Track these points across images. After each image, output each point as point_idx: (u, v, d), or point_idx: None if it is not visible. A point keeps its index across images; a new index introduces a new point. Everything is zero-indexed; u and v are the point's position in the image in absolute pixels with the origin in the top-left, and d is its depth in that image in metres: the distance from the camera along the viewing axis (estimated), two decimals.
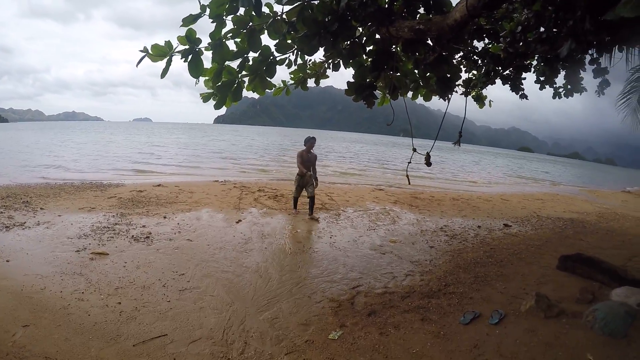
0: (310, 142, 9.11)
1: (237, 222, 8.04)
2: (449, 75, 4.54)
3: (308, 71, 5.00)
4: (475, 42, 7.14)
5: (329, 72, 5.02)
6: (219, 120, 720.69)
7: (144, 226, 7.21)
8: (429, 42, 4.13)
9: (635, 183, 38.37)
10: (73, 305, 4.18)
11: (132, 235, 6.63)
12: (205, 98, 3.78)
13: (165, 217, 7.95)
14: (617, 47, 6.52)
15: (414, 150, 5.03)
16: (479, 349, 3.75)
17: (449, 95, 4.96)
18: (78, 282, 4.74)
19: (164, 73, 3.26)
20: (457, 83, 5.22)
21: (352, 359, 3.52)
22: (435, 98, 5.17)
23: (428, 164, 5.01)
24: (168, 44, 3.14)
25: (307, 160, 9.00)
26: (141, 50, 3.11)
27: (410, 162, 5.36)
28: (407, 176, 5.44)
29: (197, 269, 5.43)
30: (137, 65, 3.28)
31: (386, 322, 4.23)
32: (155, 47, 3.13)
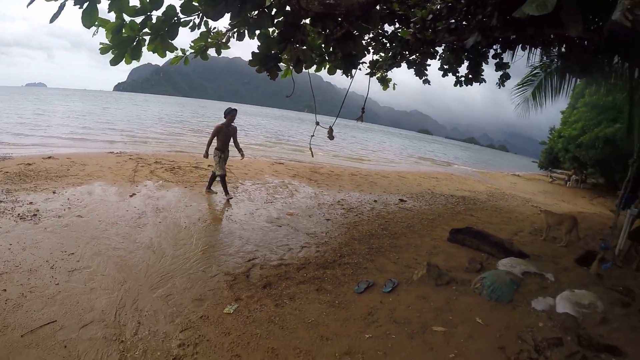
0: (231, 114, 8.38)
1: (131, 196, 7.57)
2: (354, 53, 4.61)
3: (210, 40, 4.80)
4: (387, 26, 7.32)
5: (236, 43, 4.85)
6: (119, 87, 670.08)
7: (31, 203, 6.55)
8: (338, 17, 4.14)
9: (523, 168, 42.23)
10: None
11: (18, 214, 5.97)
12: (104, 50, 3.47)
13: (54, 192, 7.27)
14: (520, 45, 7.07)
15: (317, 123, 5.08)
16: (372, 316, 3.90)
17: (352, 73, 5.04)
18: None
19: (53, 17, 2.93)
20: (362, 61, 5.30)
21: (248, 332, 3.49)
22: (341, 77, 5.23)
23: (330, 137, 5.08)
24: None
25: (226, 134, 8.35)
26: None
27: (313, 135, 5.40)
28: (311, 149, 5.49)
29: (87, 248, 5.03)
30: (27, 6, 2.96)
31: (282, 294, 4.25)
32: None
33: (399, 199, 10.73)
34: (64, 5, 2.92)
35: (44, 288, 4.00)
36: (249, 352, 3.25)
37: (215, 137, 8.25)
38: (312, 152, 5.74)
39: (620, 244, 7.20)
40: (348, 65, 4.80)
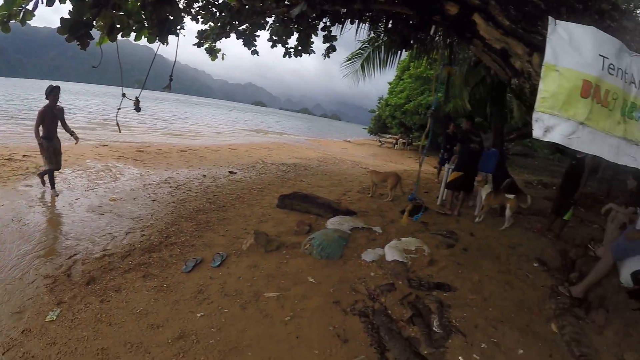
0: (53, 93, 6.96)
1: None
2: (171, 18, 4.41)
3: (14, 6, 4.08)
4: None
5: (43, 5, 4.17)
6: None
7: None
8: None
9: (355, 135, 45.61)
10: None
11: None
12: None
13: None
14: (349, 19, 7.45)
15: (123, 95, 4.88)
16: (203, 293, 3.98)
17: (167, 40, 4.83)
18: None
19: None
20: (179, 28, 5.08)
21: (74, 337, 3.30)
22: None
23: (137, 109, 4.90)
24: None
25: (51, 119, 7.04)
26: None
27: (120, 109, 5.13)
28: (118, 124, 5.25)
29: None
30: None
31: (106, 287, 4.07)
32: None
33: (229, 171, 10.83)
34: None
35: None
36: (77, 358, 3.08)
37: (41, 124, 6.97)
38: (119, 127, 5.45)
39: (442, 194, 8.50)
40: (162, 30, 4.56)
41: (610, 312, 4.08)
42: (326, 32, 8.11)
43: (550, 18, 2.62)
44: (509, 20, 2.74)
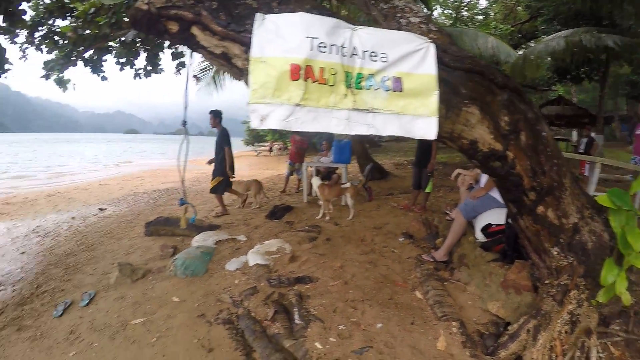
0: None
1: None
2: None
3: None
4: (59, 22, 6.77)
5: None
6: None
7: None
8: None
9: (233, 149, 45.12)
10: None
11: None
12: None
13: None
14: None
15: None
16: (74, 333, 4.04)
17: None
18: None
19: None
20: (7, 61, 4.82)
21: None
22: (36, 84, 4.69)
23: None
24: None
25: None
26: None
27: None
28: None
29: None
30: None
31: None
32: None
33: (99, 208, 10.57)
34: None
35: None
36: None
37: None
38: None
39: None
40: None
41: (471, 268, 4.46)
42: (173, 49, 8.13)
43: (257, 14, 2.85)
44: (220, 25, 3.03)
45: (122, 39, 7.41)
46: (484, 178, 4.82)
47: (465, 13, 24.58)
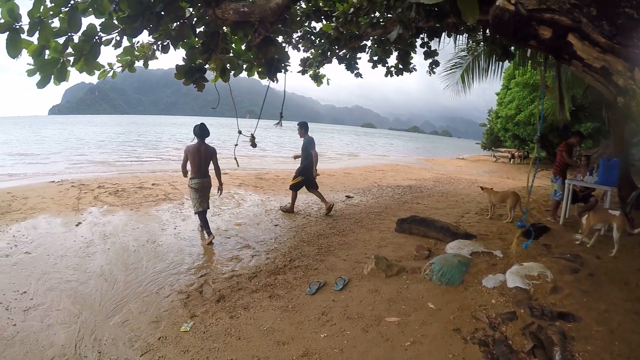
0: (201, 130, 6.60)
1: (77, 225, 7.30)
2: (276, 57, 4.65)
3: (137, 53, 4.72)
4: (314, 23, 7.38)
5: (170, 53, 4.77)
6: (54, 110, 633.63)
7: None
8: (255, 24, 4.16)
9: (467, 151, 43.74)
10: None
11: None
12: (31, 72, 3.36)
13: None
14: (446, 32, 7.32)
15: (239, 132, 5.12)
16: (326, 316, 3.97)
17: (276, 77, 5.07)
18: None
19: None
20: (287, 64, 5.34)
21: (206, 347, 3.49)
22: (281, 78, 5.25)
23: (253, 145, 5.11)
24: None
25: (203, 157, 6.56)
26: None
27: (237, 145, 5.42)
28: (236, 159, 5.51)
29: (39, 284, 4.86)
30: None
31: (236, 305, 4.26)
32: None
33: (346, 196, 10.88)
34: None
35: (2, 330, 3.86)
36: None
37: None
38: (237, 161, 5.73)
39: (566, 210, 7.75)
40: (271, 69, 4.83)
41: None
42: (425, 48, 7.95)
43: None
44: (604, 36, 2.42)
45: (376, 37, 7.61)
46: None
47: None
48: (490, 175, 19.54)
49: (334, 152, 33.48)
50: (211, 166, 6.71)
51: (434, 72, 8.90)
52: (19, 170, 16.01)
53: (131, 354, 3.46)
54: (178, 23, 3.94)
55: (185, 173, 6.69)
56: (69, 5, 3.12)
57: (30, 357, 3.44)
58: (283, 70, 5.24)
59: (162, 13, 3.51)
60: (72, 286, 4.80)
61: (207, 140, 6.79)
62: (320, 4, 6.88)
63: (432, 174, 16.99)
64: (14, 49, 3.02)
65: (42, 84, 3.43)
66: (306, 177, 8.86)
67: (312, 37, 7.61)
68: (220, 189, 6.93)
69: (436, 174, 17.15)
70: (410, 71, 8.62)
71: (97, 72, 4.10)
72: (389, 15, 6.38)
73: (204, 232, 6.65)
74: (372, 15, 6.44)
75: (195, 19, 4.13)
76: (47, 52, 3.32)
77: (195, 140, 6.60)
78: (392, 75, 8.75)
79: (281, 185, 12.24)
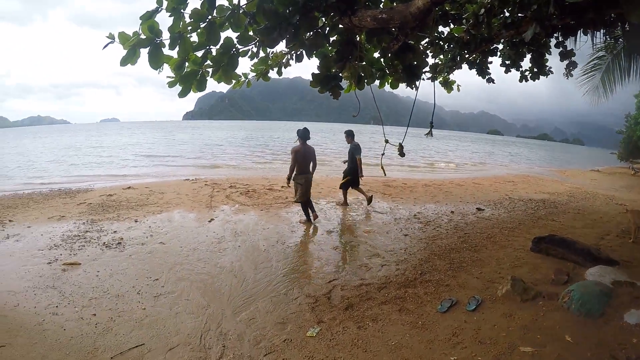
0: (304, 133, 7.86)
1: (210, 221, 7.89)
2: (415, 63, 4.51)
3: (270, 62, 4.91)
4: (441, 27, 7.14)
5: (293, 63, 4.94)
6: (188, 116, 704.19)
7: (115, 232, 7.02)
8: (393, 30, 4.07)
9: (602, 162, 39.36)
10: (48, 321, 4.03)
11: (104, 242, 6.43)
12: (172, 83, 3.66)
13: (136, 221, 7.74)
14: (582, 30, 6.63)
15: (386, 141, 4.97)
16: (457, 337, 3.75)
17: (417, 84, 4.93)
18: (51, 296, 4.57)
19: (126, 61, 3.21)
20: (424, 70, 5.17)
21: (331, 356, 3.48)
22: (404, 85, 5.13)
23: (401, 154, 4.96)
24: (135, 33, 3.13)
25: (305, 156, 7.93)
26: (107, 37, 3.08)
27: (384, 154, 5.31)
28: (382, 168, 5.39)
29: (171, 273, 5.30)
30: (103, 48, 3.23)
31: (364, 315, 4.20)
32: (122, 35, 3.12)
33: (477, 208, 10.30)
34: (136, 50, 3.16)
35: (132, 312, 4.26)
36: None
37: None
38: (384, 170, 5.61)
39: None
40: (410, 77, 4.68)
41: None
42: (561, 49, 7.20)
43: None
44: None
45: (511, 39, 7.15)
46: None
47: None
48: (629, 191, 17.21)
49: (460, 160, 32.30)
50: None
51: (571, 75, 8.07)
52: (154, 169, 17.94)
53: (255, 352, 3.56)
54: (311, 33, 4.00)
55: (292, 171, 7.83)
56: (207, 20, 3.30)
57: (156, 341, 3.72)
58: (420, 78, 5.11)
59: (298, 24, 3.58)
60: (202, 278, 5.14)
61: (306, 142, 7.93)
62: (447, 7, 6.62)
63: (565, 187, 15.48)
64: (156, 62, 3.27)
65: (183, 94, 3.69)
66: (352, 177, 9.74)
67: (440, 42, 7.35)
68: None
69: (570, 187, 15.60)
70: (547, 74, 7.95)
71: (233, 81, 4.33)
72: (519, 16, 5.94)
73: (310, 213, 8.04)
74: (505, 15, 6.04)
75: (327, 28, 4.17)
76: (187, 64, 3.54)
77: (298, 142, 7.89)
78: (526, 80, 8.17)
79: (409, 194, 12.11)
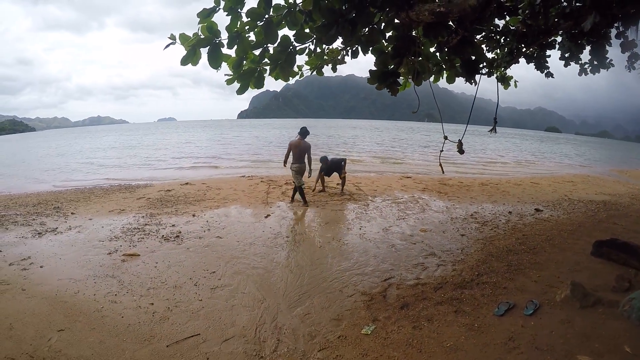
0: (303, 131, 9.48)
1: (266, 217, 8.07)
2: (473, 58, 4.39)
3: (325, 57, 4.93)
4: (497, 20, 6.91)
5: (348, 60, 4.93)
6: (242, 115, 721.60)
7: (173, 225, 7.30)
8: (451, 24, 3.98)
9: None
10: (107, 308, 4.25)
11: (162, 235, 6.71)
12: (230, 81, 3.76)
13: (194, 216, 8.02)
14: None
15: (445, 138, 4.86)
16: (513, 342, 3.64)
17: (476, 79, 4.79)
18: (111, 285, 4.83)
19: (187, 60, 3.35)
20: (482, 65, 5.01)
21: (385, 354, 3.46)
22: (458, 81, 5.01)
23: (461, 151, 4.83)
24: (195, 34, 3.25)
25: (300, 148, 9.28)
26: (169, 37, 3.22)
27: (442, 151, 5.21)
28: (441, 165, 5.29)
29: (227, 266, 5.45)
30: (164, 49, 3.36)
31: (419, 315, 4.15)
32: (182, 35, 3.26)
33: (535, 209, 9.88)
34: (196, 51, 3.28)
35: (188, 303, 4.41)
36: None
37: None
38: (442, 168, 5.50)
39: None
40: (470, 71, 4.56)
41: None
42: (622, 39, 6.77)
43: None
44: None
45: (570, 31, 6.79)
46: None
47: None
48: None
49: (517, 158, 30.93)
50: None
51: (634, 68, 7.58)
52: (214, 163, 18.39)
53: (309, 347, 3.59)
54: (367, 28, 3.98)
55: (286, 161, 9.65)
56: (264, 19, 3.35)
57: (211, 332, 3.82)
58: (480, 73, 4.97)
59: (354, 20, 3.57)
60: (259, 272, 5.25)
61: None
62: None
63: (627, 189, 14.55)
64: (215, 61, 3.35)
65: (241, 91, 3.77)
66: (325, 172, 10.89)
67: (496, 36, 7.11)
68: (309, 171, 9.39)
69: (632, 188, 14.65)
70: (607, 67, 7.52)
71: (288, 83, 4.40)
72: (578, 5, 5.64)
73: (295, 197, 9.60)
74: (563, 4, 5.76)
75: (384, 24, 4.13)
76: (245, 62, 3.62)
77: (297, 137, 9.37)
78: (586, 74, 7.75)
79: (466, 192, 11.89)
